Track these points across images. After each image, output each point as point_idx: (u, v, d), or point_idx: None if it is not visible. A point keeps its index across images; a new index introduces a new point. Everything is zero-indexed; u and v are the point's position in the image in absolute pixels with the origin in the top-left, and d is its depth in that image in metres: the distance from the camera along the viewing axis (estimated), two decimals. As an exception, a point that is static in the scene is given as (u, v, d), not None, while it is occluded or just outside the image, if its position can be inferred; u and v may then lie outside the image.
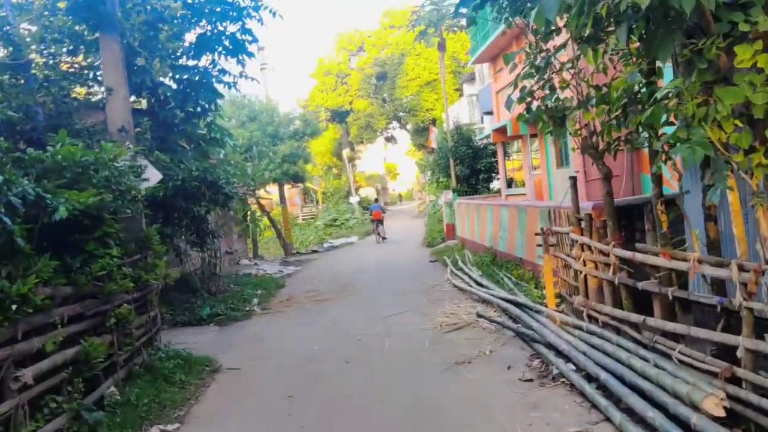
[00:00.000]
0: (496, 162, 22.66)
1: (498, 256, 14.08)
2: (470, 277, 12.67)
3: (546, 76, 5.96)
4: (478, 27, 19.33)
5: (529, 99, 6.19)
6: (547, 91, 6.10)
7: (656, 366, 5.11)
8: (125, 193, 7.39)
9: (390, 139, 56.14)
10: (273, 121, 22.63)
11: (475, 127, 24.44)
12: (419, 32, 23.51)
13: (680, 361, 4.99)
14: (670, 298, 5.07)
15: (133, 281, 7.39)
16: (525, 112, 6.27)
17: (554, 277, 8.45)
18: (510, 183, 19.32)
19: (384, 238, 26.09)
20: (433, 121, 45.37)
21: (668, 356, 5.19)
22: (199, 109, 11.86)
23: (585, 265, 6.82)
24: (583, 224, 7.06)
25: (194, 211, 11.22)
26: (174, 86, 11.50)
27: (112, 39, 8.39)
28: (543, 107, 6.09)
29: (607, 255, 6.14)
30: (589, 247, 6.74)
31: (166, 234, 11.56)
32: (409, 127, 49.33)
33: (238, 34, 12.07)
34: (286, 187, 28.14)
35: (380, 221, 26.38)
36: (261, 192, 28.48)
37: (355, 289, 13.75)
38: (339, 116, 49.62)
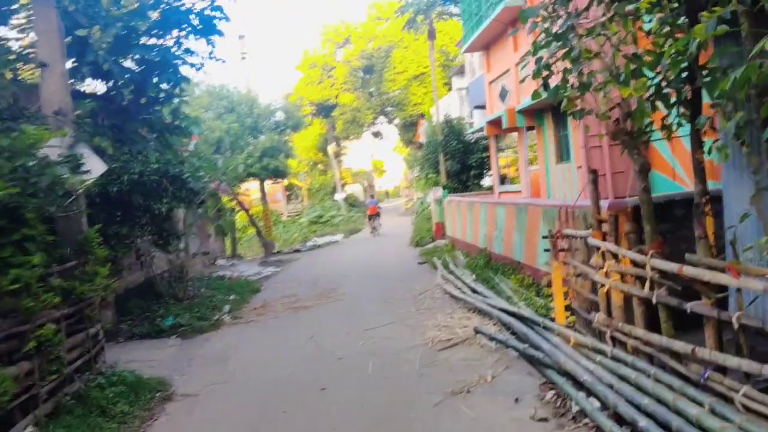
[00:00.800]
0: (488, 157, 21.54)
1: (493, 259, 12.94)
2: (463, 282, 11.52)
3: (569, 45, 4.76)
4: (469, 14, 18.17)
5: (546, 73, 4.99)
6: (569, 64, 4.90)
7: (713, 412, 3.97)
8: (55, 187, 6.13)
9: (377, 135, 54.88)
10: (252, 112, 21.28)
11: (464, 122, 23.26)
12: (407, 20, 22.23)
13: (745, 408, 3.87)
14: (736, 326, 3.93)
15: (64, 294, 6.14)
16: (542, 89, 5.07)
17: (564, 287, 7.31)
18: (503, 179, 18.20)
19: (377, 230, 27.55)
20: (422, 116, 44.25)
21: (727, 398, 4.07)
22: (162, 94, 10.56)
23: (608, 276, 5.67)
24: (605, 227, 5.91)
25: (155, 208, 9.92)
26: (134, 67, 10.20)
27: (46, 4, 7.10)
28: (566, 82, 4.89)
29: (642, 266, 4.99)
30: (615, 256, 5.58)
31: (124, 234, 10.30)
32: (396, 122, 48.16)
33: (207, 11, 10.79)
34: (268, 182, 26.85)
35: (376, 215, 28.23)
36: (242, 187, 27.20)
37: (336, 295, 12.54)
38: (325, 110, 48.28)
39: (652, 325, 5.15)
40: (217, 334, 9.99)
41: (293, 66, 47.91)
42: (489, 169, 21.61)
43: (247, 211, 22.36)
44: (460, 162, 21.32)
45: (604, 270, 5.70)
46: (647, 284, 4.96)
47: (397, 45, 44.43)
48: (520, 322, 7.55)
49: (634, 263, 5.19)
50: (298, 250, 25.32)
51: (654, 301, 4.86)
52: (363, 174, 75.19)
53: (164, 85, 10.44)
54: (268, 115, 22.00)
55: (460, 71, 34.43)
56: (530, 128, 15.00)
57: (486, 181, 22.15)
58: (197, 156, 11.70)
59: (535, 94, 5.21)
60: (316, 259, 20.78)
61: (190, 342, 9.62)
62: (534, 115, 14.15)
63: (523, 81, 9.05)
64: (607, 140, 12.14)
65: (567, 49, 4.75)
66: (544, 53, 5.00)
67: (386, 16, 46.14)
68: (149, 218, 10.02)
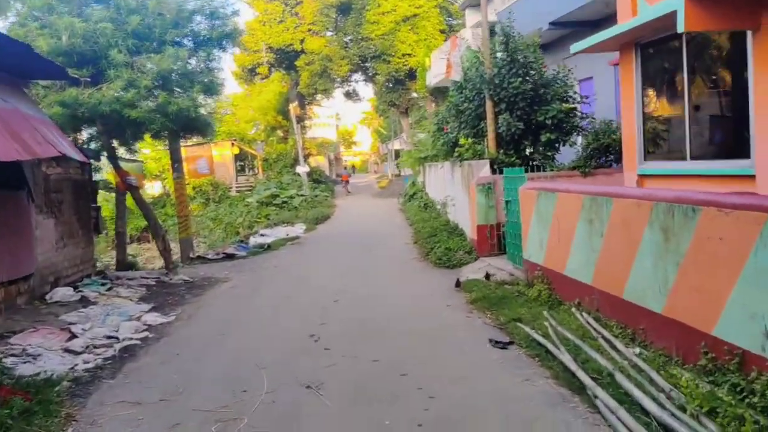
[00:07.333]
0: (574, 111, 12.16)
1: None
2: None
3: None
4: None
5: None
6: None
7: None
8: None
9: (350, 95, 44.79)
10: (142, 8, 11.28)
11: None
12: None
13: None
14: None
15: None
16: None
17: None
18: (649, 148, 8.77)
19: (349, 192, 37.33)
20: (411, 73, 34.59)
21: None
22: None
23: None
24: None
25: None
26: None
27: None
28: None
29: None
30: None
31: None
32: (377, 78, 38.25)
33: None
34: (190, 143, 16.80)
35: (347, 182, 39.74)
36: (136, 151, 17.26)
37: None
38: (287, 59, 38.01)
39: None
40: None
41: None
42: (575, 131, 12.19)
43: (135, 190, 12.53)
44: (524, 117, 11.81)
45: None
46: None
47: (384, -24, 34.47)
48: None
49: None
50: (231, 256, 15.59)
51: None
52: (329, 145, 65.60)
53: None
54: (177, 20, 11.98)
55: (476, 2, 24.73)
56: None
57: (562, 156, 12.71)
58: None
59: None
60: (257, 285, 11.08)
61: None
62: None
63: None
64: None
65: None
66: None
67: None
68: None
